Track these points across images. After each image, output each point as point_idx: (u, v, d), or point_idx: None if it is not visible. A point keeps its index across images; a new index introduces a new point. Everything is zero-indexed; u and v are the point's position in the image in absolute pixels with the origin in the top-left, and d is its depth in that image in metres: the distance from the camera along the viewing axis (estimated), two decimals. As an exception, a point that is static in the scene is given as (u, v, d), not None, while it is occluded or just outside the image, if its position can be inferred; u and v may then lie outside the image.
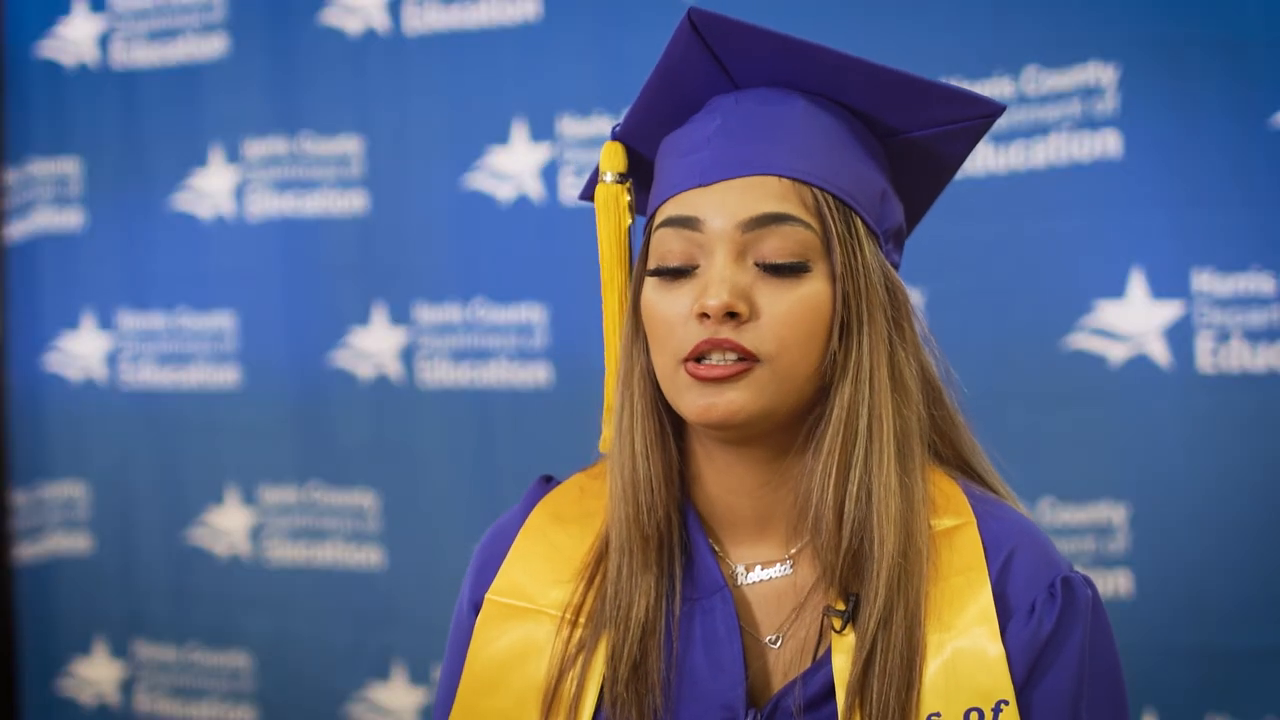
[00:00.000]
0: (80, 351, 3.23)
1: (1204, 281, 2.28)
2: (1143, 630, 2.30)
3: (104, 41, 3.17)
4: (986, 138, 2.36)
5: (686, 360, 1.12)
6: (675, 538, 1.19)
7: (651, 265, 1.16)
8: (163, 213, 3.11)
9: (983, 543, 1.15)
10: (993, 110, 1.21)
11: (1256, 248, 2.25)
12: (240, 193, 3.05)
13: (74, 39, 3.19)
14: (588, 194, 1.27)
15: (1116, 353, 2.33)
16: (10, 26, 3.26)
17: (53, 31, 3.21)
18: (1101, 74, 2.32)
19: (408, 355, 2.91)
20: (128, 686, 3.23)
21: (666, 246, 1.14)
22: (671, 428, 1.20)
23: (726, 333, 1.10)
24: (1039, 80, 2.37)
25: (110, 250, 3.19)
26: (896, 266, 1.21)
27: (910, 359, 1.17)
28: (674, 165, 1.17)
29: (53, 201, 3.23)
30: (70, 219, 3.22)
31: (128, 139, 3.14)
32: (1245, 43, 2.23)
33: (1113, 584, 2.35)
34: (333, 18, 2.94)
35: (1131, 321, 2.32)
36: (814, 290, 1.12)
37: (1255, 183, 2.23)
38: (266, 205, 3.03)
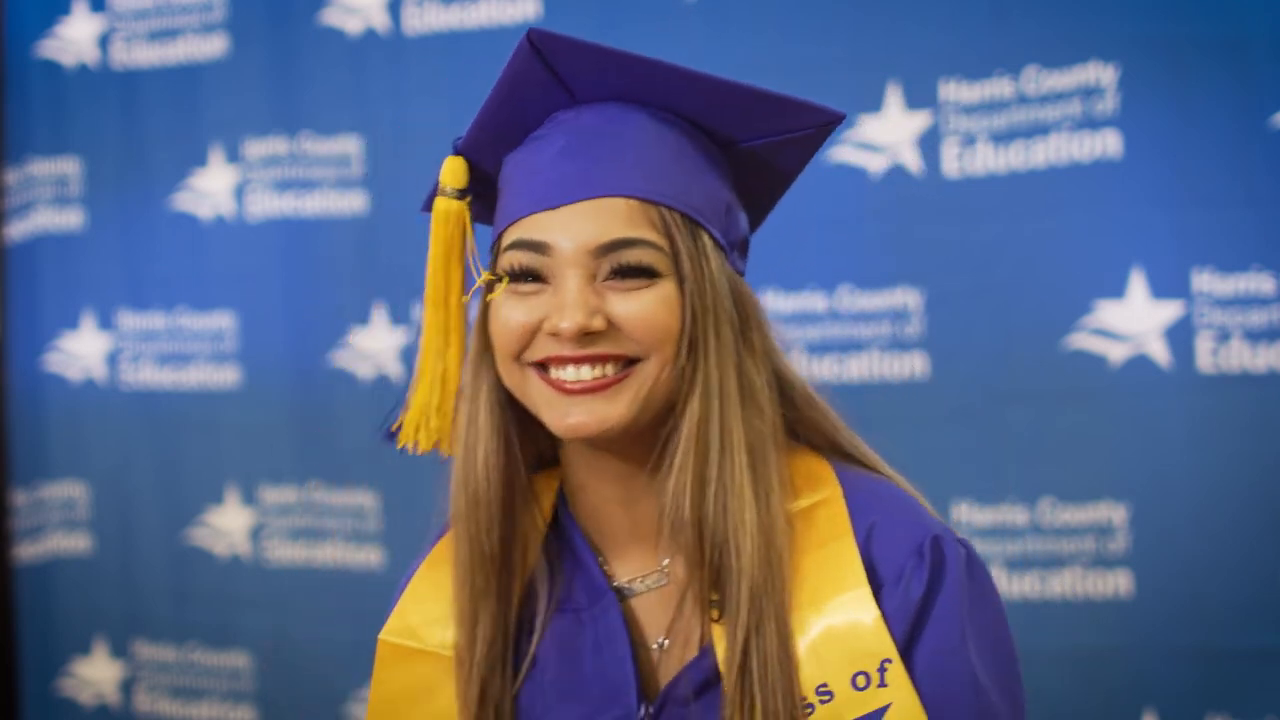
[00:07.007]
0: (80, 351, 3.23)
1: (1204, 281, 2.28)
2: (1143, 630, 2.31)
3: (104, 41, 3.17)
4: (986, 137, 2.39)
5: (540, 368, 1.13)
6: (548, 554, 1.22)
7: (501, 276, 1.16)
8: (163, 213, 3.11)
9: (849, 512, 1.16)
10: (831, 118, 1.20)
11: (1256, 248, 2.25)
12: (240, 193, 3.05)
13: (74, 39, 3.19)
14: (428, 206, 1.27)
15: (1116, 353, 2.33)
16: (10, 26, 3.26)
17: (53, 31, 3.21)
18: (1101, 74, 2.32)
19: (408, 355, 2.91)
20: (128, 686, 3.23)
21: (516, 263, 1.15)
22: (521, 435, 1.20)
23: (602, 346, 1.12)
24: (1039, 80, 2.37)
25: (110, 250, 3.18)
26: (742, 274, 1.22)
27: (760, 368, 1.18)
28: (520, 188, 1.18)
29: (53, 201, 3.23)
30: (70, 219, 3.22)
31: (128, 139, 3.14)
32: (1245, 43, 2.23)
33: (1113, 584, 2.35)
34: (333, 18, 2.94)
35: (1131, 321, 2.32)
36: (665, 293, 1.13)
37: (1255, 183, 2.24)
38: (266, 205, 3.03)
